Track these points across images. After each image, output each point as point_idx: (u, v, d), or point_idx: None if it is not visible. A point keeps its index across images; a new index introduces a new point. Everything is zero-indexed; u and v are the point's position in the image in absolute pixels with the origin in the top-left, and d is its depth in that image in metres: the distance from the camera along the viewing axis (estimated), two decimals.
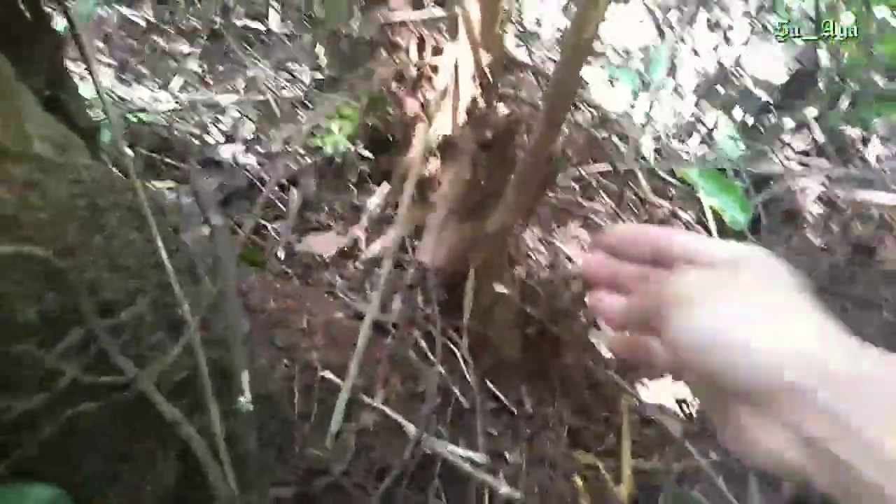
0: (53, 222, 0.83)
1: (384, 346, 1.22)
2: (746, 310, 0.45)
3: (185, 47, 3.17)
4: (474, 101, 1.26)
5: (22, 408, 0.78)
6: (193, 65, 2.99)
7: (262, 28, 3.24)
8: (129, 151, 1.06)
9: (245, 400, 0.81)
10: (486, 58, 1.23)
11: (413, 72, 1.32)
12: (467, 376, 1.21)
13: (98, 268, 0.89)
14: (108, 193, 0.96)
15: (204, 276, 1.02)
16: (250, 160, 1.92)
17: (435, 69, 1.31)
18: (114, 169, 1.29)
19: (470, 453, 1.08)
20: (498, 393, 1.40)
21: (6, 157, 0.77)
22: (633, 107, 2.89)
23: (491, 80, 1.25)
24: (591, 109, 2.62)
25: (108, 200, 0.94)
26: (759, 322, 0.43)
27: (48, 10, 1.51)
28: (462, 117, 1.28)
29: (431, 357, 1.24)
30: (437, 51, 1.33)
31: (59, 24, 1.78)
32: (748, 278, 0.47)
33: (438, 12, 1.34)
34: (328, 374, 1.10)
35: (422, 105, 1.34)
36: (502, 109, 1.27)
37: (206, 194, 0.81)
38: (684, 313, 0.47)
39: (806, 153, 2.33)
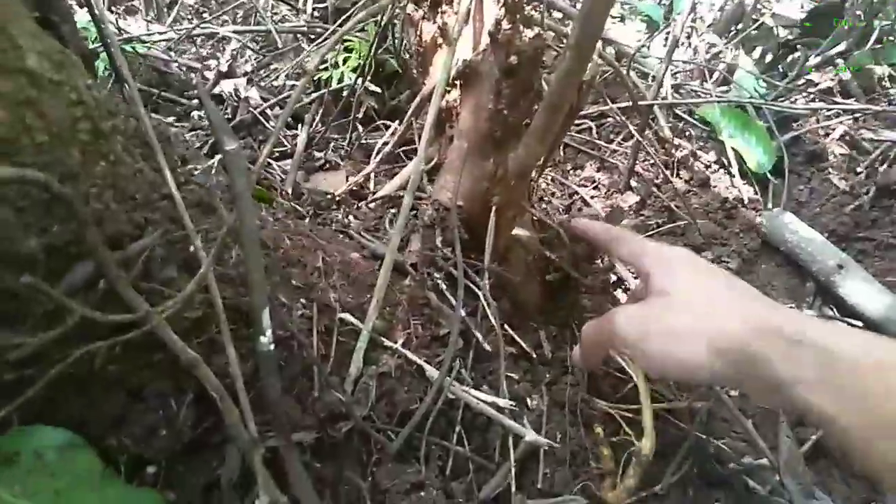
0: (54, 146, 0.76)
1: (403, 287, 1.17)
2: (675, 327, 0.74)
3: None
4: (497, 23, 1.17)
5: (29, 347, 0.72)
6: None
7: None
8: (129, 76, 0.98)
9: (266, 340, 0.76)
10: None
11: None
12: (491, 319, 1.16)
13: (104, 197, 0.82)
14: (111, 117, 0.88)
15: (217, 208, 0.96)
16: (252, 94, 1.83)
17: None
18: (125, 71, 1.21)
19: (496, 398, 1.03)
20: (517, 337, 1.35)
21: None
22: (648, 43, 2.79)
23: (516, 1, 1.16)
24: (605, 43, 2.51)
25: (112, 124, 0.87)
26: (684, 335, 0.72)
27: None
28: (484, 41, 1.19)
29: (452, 299, 1.18)
30: None
31: None
32: (677, 290, 0.79)
33: None
34: (347, 316, 1.05)
35: (441, 28, 1.25)
36: (528, 33, 1.18)
37: (217, 116, 0.73)
38: (633, 352, 0.81)
39: (830, 91, 2.25)
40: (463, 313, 1.17)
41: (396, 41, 1.84)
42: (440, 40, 1.26)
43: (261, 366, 0.78)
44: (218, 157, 1.07)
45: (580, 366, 1.09)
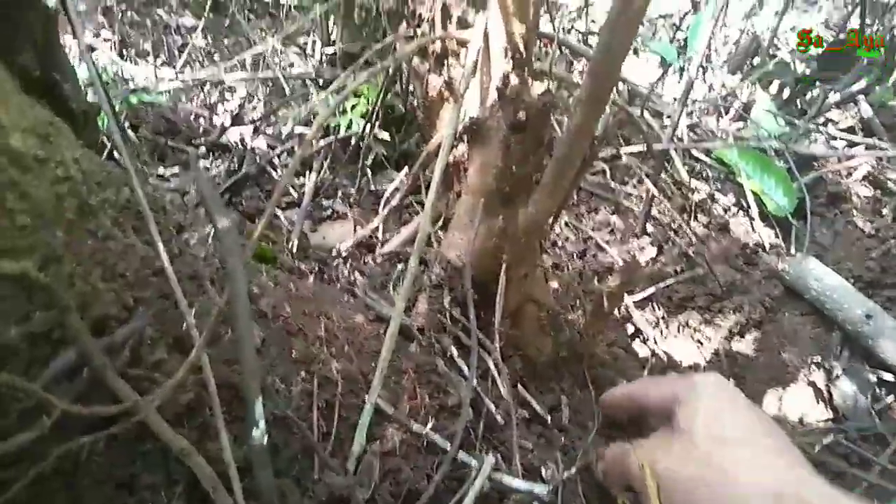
0: (37, 228, 0.72)
1: (409, 353, 1.12)
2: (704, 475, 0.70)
3: (188, 20, 3.04)
4: (506, 78, 1.13)
5: (10, 446, 0.68)
6: (198, 39, 2.86)
7: None
8: (122, 145, 0.94)
9: (258, 433, 0.71)
10: (519, 29, 1.09)
11: (437, 46, 1.19)
12: (500, 386, 1.10)
13: (90, 278, 0.78)
14: (102, 190, 0.85)
15: (211, 284, 0.92)
16: (260, 143, 1.80)
17: (462, 43, 1.18)
18: (115, 154, 1.18)
19: (533, 486, 0.97)
20: (530, 398, 1.30)
21: None
22: (661, 81, 2.75)
23: (524, 54, 1.12)
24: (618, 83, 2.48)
25: (101, 199, 0.83)
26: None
27: None
28: (492, 96, 1.15)
29: (461, 364, 1.13)
30: (464, 22, 1.20)
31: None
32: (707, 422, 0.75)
33: None
34: (349, 388, 1.00)
35: (447, 83, 1.21)
36: (536, 87, 1.14)
37: (210, 191, 0.69)
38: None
39: (852, 130, 2.19)
40: (474, 382, 1.12)
41: (405, 86, 1.81)
42: (446, 94, 1.22)
43: (253, 459, 0.73)
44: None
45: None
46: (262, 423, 0.73)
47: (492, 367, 1.14)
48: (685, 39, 2.55)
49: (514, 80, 1.12)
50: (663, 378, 0.88)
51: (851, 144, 2.08)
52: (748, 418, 0.74)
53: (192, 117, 2.11)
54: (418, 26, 1.19)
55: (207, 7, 2.85)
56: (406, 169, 1.83)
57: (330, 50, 2.20)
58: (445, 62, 1.19)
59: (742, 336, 1.70)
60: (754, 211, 1.92)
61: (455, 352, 1.15)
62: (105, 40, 2.77)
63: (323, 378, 0.98)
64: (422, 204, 1.70)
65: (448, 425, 1.07)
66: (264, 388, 0.90)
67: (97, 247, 0.79)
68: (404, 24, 1.22)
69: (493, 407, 1.10)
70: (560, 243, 1.96)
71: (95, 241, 0.79)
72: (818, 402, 1.59)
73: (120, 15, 2.85)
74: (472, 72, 1.16)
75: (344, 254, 1.45)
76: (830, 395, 1.58)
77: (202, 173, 0.77)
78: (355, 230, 1.67)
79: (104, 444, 0.77)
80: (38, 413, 0.70)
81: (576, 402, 1.38)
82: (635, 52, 3.36)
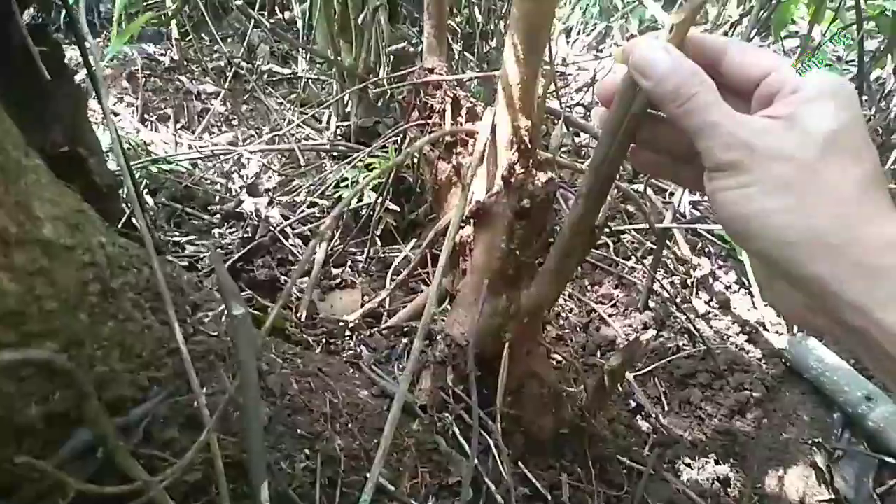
0: (62, 312, 0.76)
1: (412, 431, 1.14)
2: (792, 192, 0.46)
3: (209, 87, 3.15)
4: (511, 167, 1.18)
5: None
6: (218, 105, 2.97)
7: (289, 72, 3.22)
8: (144, 226, 0.99)
9: None
10: (524, 123, 1.15)
11: (447, 135, 1.25)
12: (500, 466, 1.12)
13: (109, 360, 0.82)
14: (123, 273, 0.89)
15: (222, 361, 0.95)
16: (273, 213, 1.86)
17: (470, 133, 1.24)
18: (135, 222, 1.23)
19: None
20: (531, 476, 1.31)
21: (11, 244, 0.70)
22: None
23: (529, 145, 1.18)
24: None
25: (122, 281, 0.88)
26: (796, 211, 0.46)
27: (69, 57, 1.47)
28: (498, 184, 1.20)
29: (463, 442, 1.16)
30: (472, 114, 1.26)
31: (81, 72, 1.74)
32: (817, 135, 0.46)
33: (474, 75, 1.29)
34: (351, 465, 1.02)
35: (455, 169, 1.27)
36: (541, 177, 1.19)
37: (226, 280, 0.73)
38: (727, 183, 0.49)
39: None
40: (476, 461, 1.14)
41: (414, 161, 1.88)
42: (455, 178, 1.27)
43: None
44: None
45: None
46: None
47: (492, 445, 1.16)
48: None
49: (518, 169, 1.17)
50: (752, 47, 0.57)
51: None
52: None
53: (208, 184, 2.18)
54: (430, 116, 1.26)
55: (229, 76, 2.97)
56: (414, 241, 1.88)
57: (345, 123, 2.29)
58: (454, 150, 1.25)
59: (743, 414, 1.71)
60: (755, 289, 1.95)
61: (457, 430, 1.18)
62: (128, 105, 2.87)
63: (326, 456, 1.01)
64: (429, 276, 1.75)
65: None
66: (268, 466, 0.93)
67: (117, 329, 0.83)
68: (416, 112, 1.28)
69: (493, 486, 1.11)
70: (564, 315, 1.99)
71: (116, 323, 0.84)
72: (819, 484, 1.59)
73: (143, 81, 2.97)
74: (480, 160, 1.22)
75: (351, 325, 1.49)
76: (832, 476, 1.59)
77: (221, 264, 0.81)
78: (363, 301, 1.71)
79: None
80: (56, 489, 0.74)
81: (576, 480, 1.40)
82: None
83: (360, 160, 1.88)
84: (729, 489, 1.55)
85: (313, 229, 1.79)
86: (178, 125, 2.90)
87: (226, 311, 1.02)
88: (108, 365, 0.81)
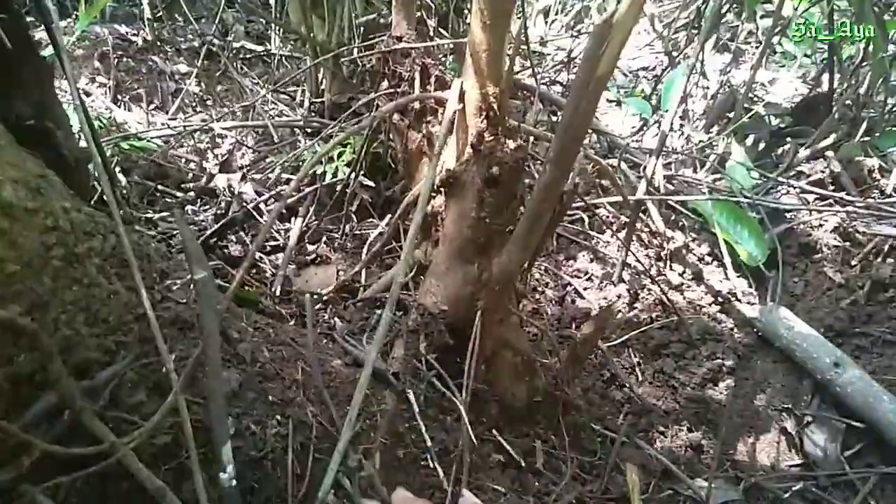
0: (24, 275, 0.76)
1: (383, 398, 1.15)
2: None
3: (182, 67, 3.12)
4: (480, 135, 1.19)
5: None
6: (191, 86, 2.93)
7: (262, 49, 3.19)
8: (110, 193, 0.99)
9: (227, 475, 0.74)
10: (492, 90, 1.16)
11: (416, 104, 1.25)
12: (470, 433, 1.13)
13: (74, 323, 0.82)
14: (89, 238, 0.89)
15: (191, 329, 0.95)
16: (247, 189, 1.85)
17: (439, 101, 1.24)
18: (106, 188, 1.22)
19: None
20: (505, 444, 1.33)
21: None
22: (641, 131, 2.84)
23: (498, 112, 1.18)
24: (598, 135, 2.56)
25: (87, 247, 0.87)
26: None
27: (35, 35, 1.45)
28: (467, 152, 1.21)
29: (433, 412, 1.17)
30: (441, 82, 1.26)
31: (47, 49, 1.72)
32: None
33: (442, 41, 1.28)
34: (323, 432, 1.03)
35: (426, 138, 1.27)
36: (510, 144, 1.19)
37: (191, 243, 0.73)
38: None
39: (821, 183, 2.26)
40: (445, 428, 1.15)
41: (388, 136, 1.87)
42: (425, 148, 1.27)
43: (224, 501, 0.76)
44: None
45: None
46: (230, 468, 0.76)
47: (463, 413, 1.17)
48: (661, 97, 2.65)
49: (487, 137, 1.18)
50: None
51: (821, 198, 2.15)
52: None
53: (182, 162, 2.16)
54: (398, 85, 1.25)
55: (202, 55, 2.94)
56: (389, 217, 1.88)
57: (319, 100, 2.28)
58: (424, 119, 1.25)
59: (715, 383, 1.73)
60: (728, 260, 1.97)
61: (428, 397, 1.19)
62: (100, 85, 2.84)
63: (298, 422, 1.01)
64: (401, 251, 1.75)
65: (420, 469, 1.11)
66: (238, 430, 0.93)
67: (82, 293, 0.83)
68: (385, 82, 1.28)
69: (464, 451, 1.13)
70: (540, 289, 2.00)
71: (81, 287, 0.83)
72: (790, 449, 1.62)
73: (116, 61, 2.93)
74: (449, 129, 1.22)
75: (325, 298, 1.49)
76: (801, 441, 1.62)
77: (186, 226, 0.81)
78: (338, 275, 1.71)
79: (82, 484, 0.80)
80: (18, 453, 0.74)
81: (550, 447, 1.42)
82: (618, 103, 3.46)
83: (333, 135, 1.87)
84: (702, 455, 1.57)
85: (268, 199, 1.78)
86: (152, 105, 2.87)
87: (187, 284, 1.02)
88: (74, 328, 0.81)
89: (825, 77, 2.75)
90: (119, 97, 2.86)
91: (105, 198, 1.05)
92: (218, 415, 0.74)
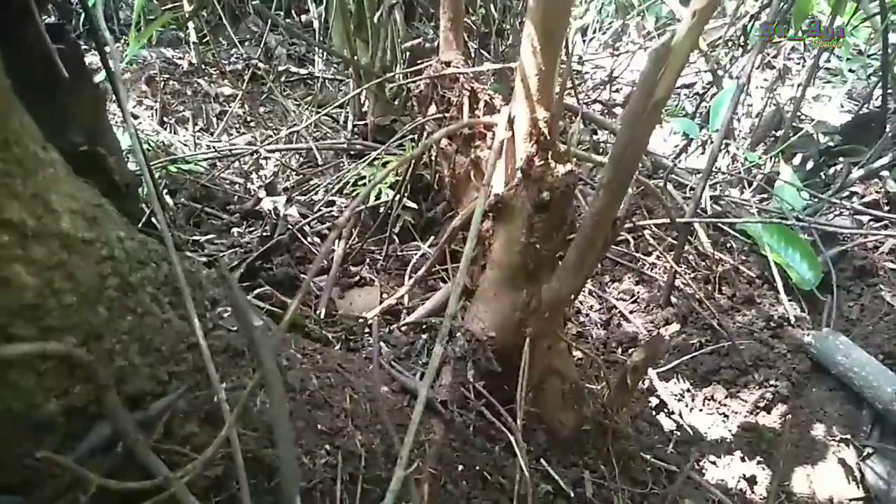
0: (80, 306, 0.76)
1: (432, 426, 1.13)
2: None
3: (227, 90, 3.17)
4: (530, 159, 1.17)
5: None
6: (236, 107, 2.98)
7: (305, 72, 3.23)
8: (163, 220, 0.99)
9: None
10: (542, 114, 1.14)
11: (465, 128, 1.24)
12: (521, 463, 1.10)
13: (128, 354, 0.81)
14: (142, 268, 0.89)
15: (241, 357, 0.95)
16: (292, 211, 1.86)
17: (488, 126, 1.22)
18: (155, 221, 1.23)
19: None
20: (553, 473, 1.29)
21: (29, 237, 0.70)
22: (685, 151, 2.79)
23: (548, 137, 1.17)
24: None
25: (141, 276, 0.87)
26: None
27: (89, 62, 1.48)
28: (517, 177, 1.19)
29: (481, 441, 1.14)
30: (490, 107, 1.25)
31: (101, 74, 1.75)
32: None
33: (492, 66, 1.28)
34: (372, 461, 1.01)
35: (473, 163, 1.25)
36: (560, 168, 1.17)
37: (242, 300, 0.74)
38: None
39: (876, 204, 2.19)
40: (496, 456, 1.12)
41: (432, 158, 1.87)
42: (473, 173, 1.26)
43: None
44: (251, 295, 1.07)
45: None
46: None
47: (513, 442, 1.15)
48: (708, 109, 2.60)
49: (537, 161, 1.16)
50: None
51: (877, 219, 2.08)
52: None
53: (227, 184, 2.19)
54: (447, 110, 1.25)
55: (246, 78, 2.98)
56: (432, 238, 1.87)
57: (361, 122, 2.29)
58: (472, 144, 1.24)
59: (768, 411, 1.68)
60: (779, 284, 1.92)
61: (477, 425, 1.16)
62: (147, 108, 2.89)
63: (347, 452, 1.00)
64: (447, 273, 1.74)
65: (471, 496, 1.08)
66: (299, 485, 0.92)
67: (136, 323, 0.83)
68: (433, 106, 1.27)
69: (514, 481, 1.10)
70: (584, 311, 1.97)
71: (134, 317, 0.83)
72: (849, 482, 1.56)
73: (162, 84, 2.99)
74: (498, 153, 1.21)
75: (370, 322, 1.48)
76: (862, 474, 1.55)
77: (235, 283, 0.81)
78: (381, 298, 1.70)
79: None
80: (73, 487, 0.73)
81: (599, 477, 1.38)
82: (659, 122, 3.42)
83: (378, 158, 1.87)
84: (755, 487, 1.52)
85: (332, 225, 1.79)
86: (197, 127, 2.92)
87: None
88: (127, 359, 0.81)
89: (875, 93, 2.67)
90: (165, 119, 2.91)
91: (157, 224, 1.06)
92: (288, 470, 0.73)
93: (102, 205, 0.89)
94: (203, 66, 3.23)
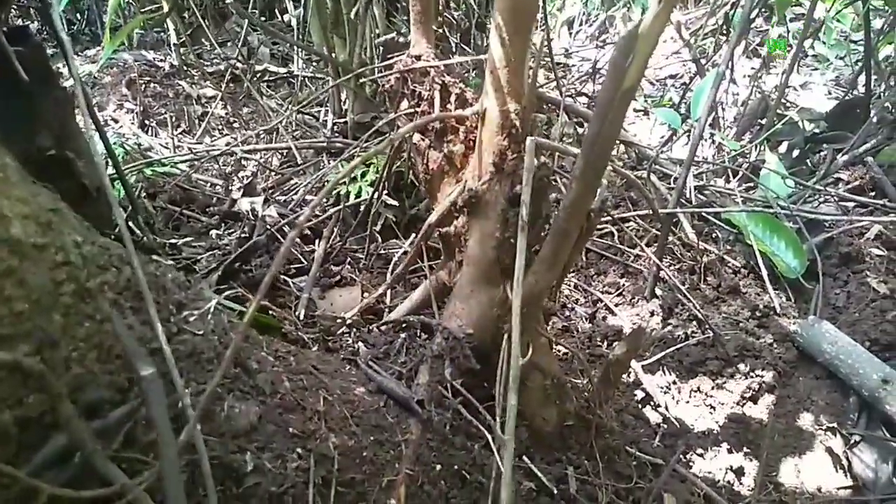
0: (33, 313, 0.74)
1: (409, 426, 1.11)
2: None
3: (208, 91, 3.14)
4: (503, 153, 1.15)
5: None
6: (217, 109, 2.95)
7: (286, 71, 3.20)
8: (124, 226, 0.97)
9: None
10: (514, 106, 1.12)
11: (437, 123, 1.22)
12: (499, 462, 1.09)
13: (86, 361, 0.79)
14: (101, 272, 0.87)
15: (208, 361, 0.93)
16: (270, 212, 1.84)
17: (460, 120, 1.20)
18: (128, 224, 1.21)
19: None
20: (536, 470, 1.28)
21: None
22: (670, 141, 2.78)
23: (520, 129, 1.15)
24: (626, 146, 2.50)
25: (101, 281, 0.85)
26: None
27: (55, 67, 1.46)
28: (489, 171, 1.17)
29: (460, 440, 1.13)
30: (462, 100, 1.23)
31: (68, 80, 1.73)
32: None
33: (461, 59, 1.26)
34: (346, 464, 0.99)
35: (447, 157, 1.23)
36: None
37: (130, 342, 0.73)
38: None
39: (861, 190, 2.18)
40: (474, 454, 1.11)
41: (411, 155, 1.85)
42: (446, 167, 1.24)
43: None
44: (218, 298, 1.05)
45: None
46: None
47: (491, 440, 1.13)
48: (689, 106, 2.58)
49: (510, 155, 1.14)
50: None
51: (861, 205, 2.07)
52: None
53: (207, 186, 2.16)
54: (418, 104, 1.23)
55: (227, 78, 2.95)
56: (414, 236, 1.85)
57: (341, 120, 2.26)
58: (445, 138, 1.22)
59: (755, 401, 1.67)
60: (765, 273, 1.90)
61: (455, 424, 1.15)
62: (129, 111, 2.87)
63: (320, 455, 0.98)
64: (430, 269, 1.72)
65: (451, 498, 1.07)
66: (257, 466, 0.91)
67: (94, 329, 0.81)
68: (405, 102, 1.25)
69: (492, 479, 1.08)
70: (570, 305, 1.95)
71: (92, 323, 0.81)
72: (837, 471, 1.54)
73: (143, 87, 2.96)
74: (470, 147, 1.19)
75: (349, 321, 1.46)
76: (850, 462, 1.54)
77: (121, 324, 0.80)
78: (362, 297, 1.68)
79: None
80: (25, 499, 0.71)
81: (583, 473, 1.36)
82: (645, 113, 3.41)
83: (355, 155, 1.85)
84: (743, 478, 1.51)
85: (292, 222, 1.77)
86: (179, 129, 2.89)
87: (205, 315, 1.00)
88: (85, 367, 0.79)
89: (860, 79, 2.66)
90: (147, 122, 2.88)
91: (134, 229, 1.04)
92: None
93: (59, 209, 0.86)
94: (184, 68, 3.20)
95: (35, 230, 0.77)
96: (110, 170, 1.57)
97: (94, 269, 0.85)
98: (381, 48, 1.66)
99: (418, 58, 1.24)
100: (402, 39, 1.59)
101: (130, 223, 1.58)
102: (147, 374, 0.70)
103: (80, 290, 0.80)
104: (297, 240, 1.84)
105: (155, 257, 1.34)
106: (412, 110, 1.26)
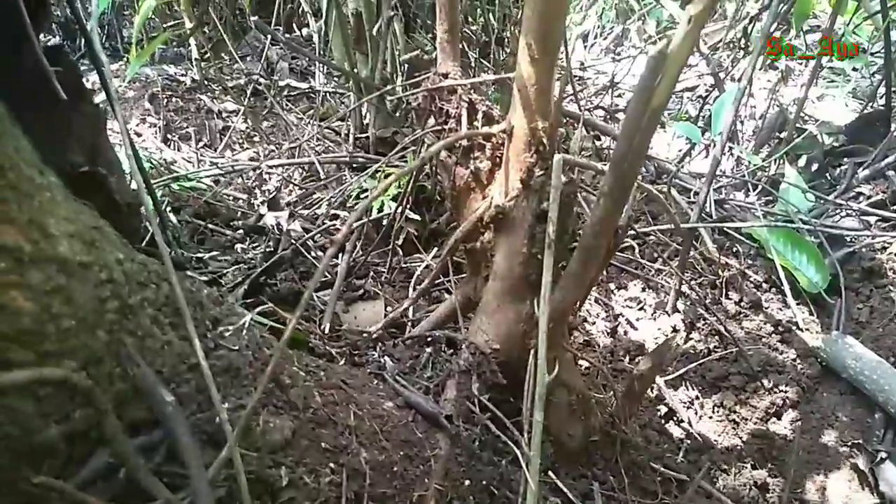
0: (79, 330, 0.76)
1: (437, 441, 1.12)
2: None
3: (230, 105, 3.18)
4: (530, 169, 1.16)
5: None
6: (239, 123, 2.99)
7: (306, 86, 3.24)
8: (162, 242, 0.99)
9: None
10: (541, 123, 1.14)
11: (464, 140, 1.24)
12: (528, 477, 1.09)
13: (129, 377, 0.81)
14: (142, 289, 0.89)
15: (245, 377, 0.94)
16: (295, 226, 1.86)
17: (487, 137, 1.22)
18: (159, 238, 1.23)
19: None
20: (561, 485, 1.28)
21: (25, 262, 0.69)
22: (689, 155, 2.78)
23: (548, 146, 1.16)
24: (646, 161, 2.51)
25: (141, 298, 0.87)
26: None
27: (88, 84, 1.49)
28: (517, 187, 1.18)
29: (487, 455, 1.13)
30: (489, 116, 1.25)
31: (100, 96, 1.76)
32: None
33: (489, 78, 1.27)
34: (378, 478, 1.00)
35: (473, 174, 1.25)
36: (560, 178, 1.17)
37: (149, 379, 0.75)
38: None
39: (883, 204, 2.17)
40: (502, 470, 1.11)
41: (434, 170, 1.86)
42: (473, 184, 1.26)
43: None
44: (251, 313, 1.06)
45: None
46: None
47: (520, 455, 1.14)
48: (711, 113, 2.58)
49: (537, 171, 1.15)
50: None
51: (884, 220, 2.06)
52: None
53: (231, 200, 2.19)
54: (445, 122, 1.24)
55: (248, 93, 2.99)
56: (436, 250, 1.87)
57: (363, 135, 2.29)
58: (472, 155, 1.23)
59: (779, 417, 1.66)
60: (787, 287, 1.90)
61: (483, 439, 1.16)
62: (151, 126, 2.91)
63: (351, 469, 0.99)
64: (452, 284, 1.73)
65: None
66: (292, 480, 0.92)
67: (136, 345, 0.83)
68: (432, 119, 1.27)
69: (519, 496, 1.09)
70: (591, 320, 1.96)
71: (135, 339, 0.83)
72: (863, 488, 1.54)
73: (165, 101, 3.00)
74: (498, 164, 1.20)
75: (374, 336, 1.48)
76: (875, 479, 1.53)
77: (140, 361, 0.81)
78: (386, 311, 1.69)
79: None
80: None
81: (608, 488, 1.37)
82: (662, 126, 3.41)
83: (379, 170, 1.87)
84: (767, 495, 1.50)
85: (331, 240, 1.78)
86: (200, 144, 2.93)
87: (239, 330, 1.01)
88: (129, 382, 0.80)
89: (880, 92, 2.65)
90: (169, 136, 2.92)
91: (157, 244, 1.06)
92: None
93: (101, 227, 0.88)
94: (205, 83, 3.25)
95: (80, 248, 0.79)
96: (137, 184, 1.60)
97: (134, 285, 0.87)
98: (407, 65, 1.68)
99: (445, 76, 1.25)
100: (425, 56, 1.62)
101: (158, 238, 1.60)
102: (169, 401, 0.72)
103: (123, 306, 0.82)
104: (320, 254, 1.86)
105: (189, 273, 1.36)
106: (439, 127, 1.28)
